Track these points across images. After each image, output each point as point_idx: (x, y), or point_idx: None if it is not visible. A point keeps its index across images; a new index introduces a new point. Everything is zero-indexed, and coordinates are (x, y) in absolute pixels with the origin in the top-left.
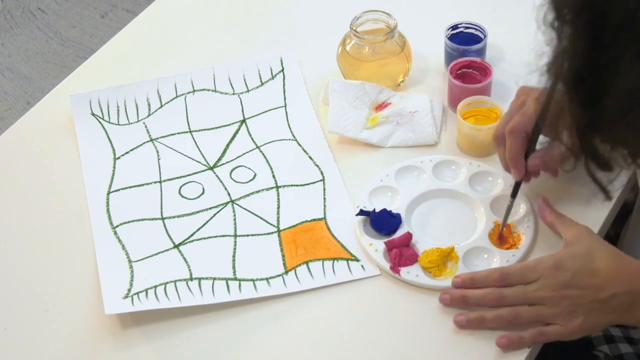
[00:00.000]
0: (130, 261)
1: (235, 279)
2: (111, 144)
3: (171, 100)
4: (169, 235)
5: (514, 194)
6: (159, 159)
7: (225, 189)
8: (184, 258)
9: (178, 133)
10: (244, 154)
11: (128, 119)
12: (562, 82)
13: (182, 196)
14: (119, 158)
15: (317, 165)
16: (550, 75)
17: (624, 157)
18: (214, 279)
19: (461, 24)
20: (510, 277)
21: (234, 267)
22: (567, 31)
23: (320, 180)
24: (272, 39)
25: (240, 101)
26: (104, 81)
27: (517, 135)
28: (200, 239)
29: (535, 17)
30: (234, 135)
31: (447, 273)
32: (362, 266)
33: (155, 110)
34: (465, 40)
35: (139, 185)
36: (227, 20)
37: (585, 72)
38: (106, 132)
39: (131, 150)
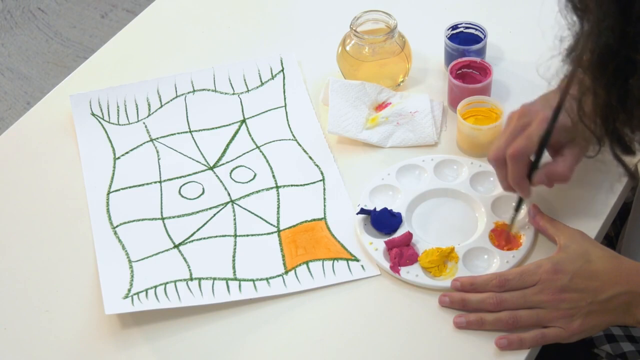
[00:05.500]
0: (130, 261)
1: (235, 279)
2: (111, 144)
3: (171, 100)
4: (169, 235)
5: (517, 208)
6: (159, 159)
7: (225, 189)
8: (184, 258)
9: (178, 133)
10: (244, 154)
11: (128, 119)
12: (586, 65)
13: (182, 196)
14: (119, 158)
15: (317, 165)
16: (570, 59)
17: None
18: (214, 279)
19: (461, 24)
20: (510, 283)
21: (234, 267)
22: (593, 10)
23: (320, 180)
24: (272, 39)
25: (240, 101)
26: (104, 81)
27: (519, 160)
28: (200, 239)
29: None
30: (234, 135)
31: (447, 273)
32: (362, 266)
33: (155, 110)
34: (465, 40)
35: (139, 185)
36: (227, 20)
37: (612, 51)
38: (106, 132)
39: (131, 150)
